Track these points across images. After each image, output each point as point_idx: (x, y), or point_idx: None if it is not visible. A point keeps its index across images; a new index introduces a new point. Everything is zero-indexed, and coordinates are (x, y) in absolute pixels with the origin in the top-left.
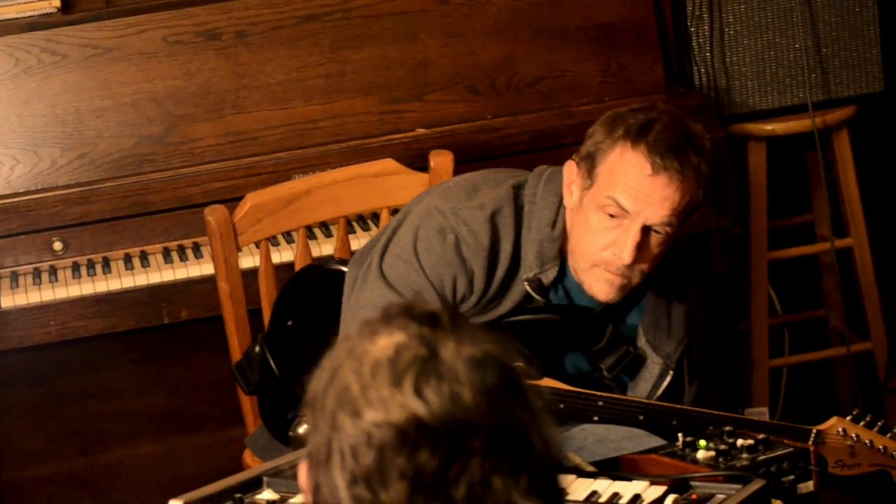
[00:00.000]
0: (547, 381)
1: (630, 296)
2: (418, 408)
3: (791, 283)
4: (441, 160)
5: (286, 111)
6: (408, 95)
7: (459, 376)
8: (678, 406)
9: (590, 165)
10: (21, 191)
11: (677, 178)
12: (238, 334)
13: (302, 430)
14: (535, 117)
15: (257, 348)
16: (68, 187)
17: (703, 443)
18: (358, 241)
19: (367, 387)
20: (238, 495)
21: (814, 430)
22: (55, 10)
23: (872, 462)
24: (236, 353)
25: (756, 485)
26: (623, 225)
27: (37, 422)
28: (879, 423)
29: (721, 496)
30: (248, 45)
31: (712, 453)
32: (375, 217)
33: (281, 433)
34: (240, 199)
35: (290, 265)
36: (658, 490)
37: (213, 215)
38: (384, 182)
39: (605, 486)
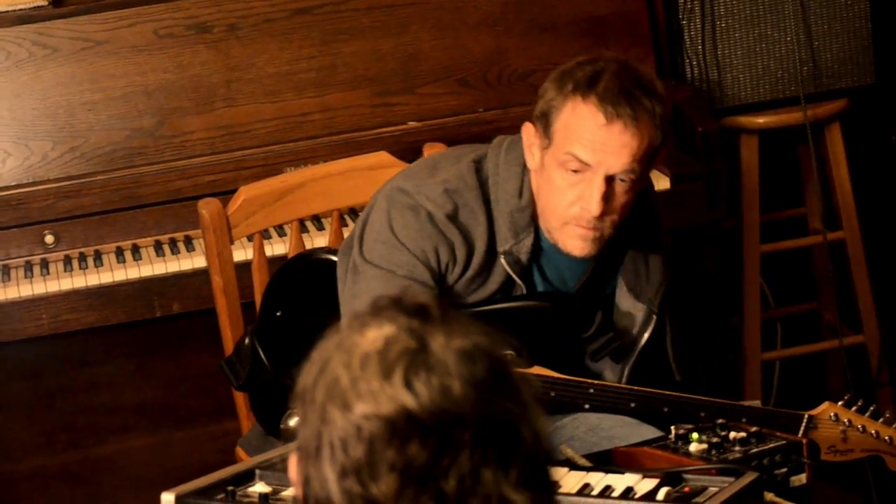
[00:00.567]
0: (537, 370)
1: (608, 266)
2: (408, 400)
3: (783, 277)
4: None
5: (277, 104)
6: (399, 88)
7: (449, 368)
8: (669, 393)
9: (545, 124)
10: (12, 184)
11: (632, 124)
12: (231, 328)
13: (293, 422)
14: (527, 110)
15: (247, 341)
16: (60, 180)
17: (695, 436)
18: None
19: (357, 379)
20: (230, 488)
21: (806, 415)
22: (46, 4)
23: (865, 447)
24: (229, 347)
25: (748, 477)
26: (586, 178)
27: (29, 415)
28: (871, 408)
29: (713, 489)
30: (240, 38)
31: (705, 446)
32: None
33: (273, 427)
34: (232, 192)
35: (284, 258)
36: (650, 483)
37: (207, 208)
38: (378, 175)
39: (597, 479)
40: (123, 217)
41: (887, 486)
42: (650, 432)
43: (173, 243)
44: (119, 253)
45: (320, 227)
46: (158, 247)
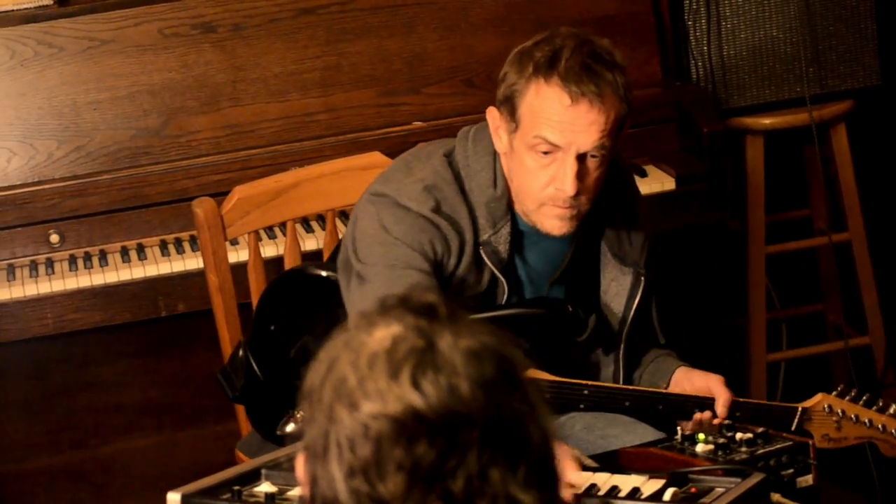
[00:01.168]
0: (532, 373)
1: (589, 241)
2: (416, 400)
3: (789, 278)
4: None
5: (283, 104)
6: (404, 88)
7: (457, 368)
8: (663, 391)
9: (510, 109)
10: (18, 183)
11: (597, 101)
12: (228, 326)
13: (290, 428)
14: None
15: (241, 353)
16: (65, 180)
17: (701, 436)
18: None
19: (365, 378)
20: (236, 488)
21: (800, 408)
22: (51, 3)
23: (858, 435)
24: (227, 346)
25: (755, 478)
26: (558, 159)
27: (34, 414)
28: (865, 397)
29: (720, 490)
30: (245, 37)
31: (711, 447)
32: None
33: (270, 434)
34: None
35: (280, 259)
36: (657, 483)
37: (201, 207)
38: (371, 175)
39: (603, 480)
40: (128, 216)
41: (894, 486)
42: (647, 431)
43: (178, 243)
44: (124, 252)
45: (309, 230)
46: (163, 246)
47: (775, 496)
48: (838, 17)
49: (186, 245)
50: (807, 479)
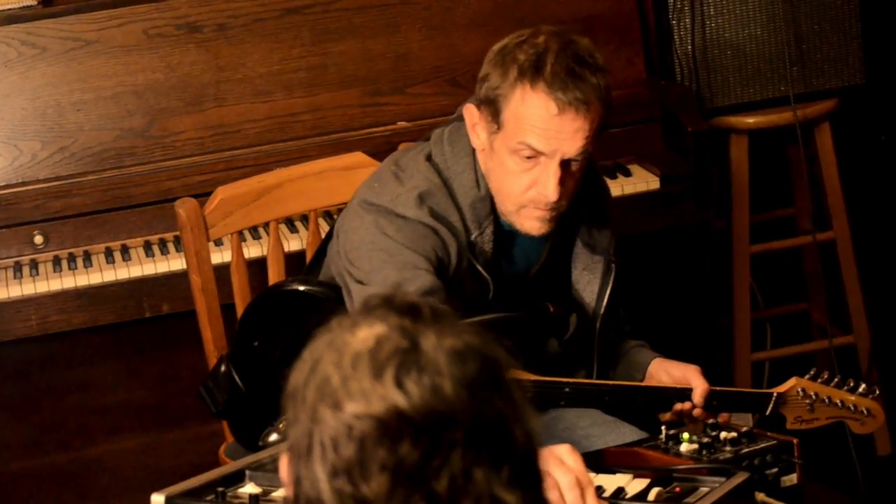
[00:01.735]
0: (514, 373)
1: (566, 234)
2: (399, 400)
3: (773, 277)
4: None
5: (267, 104)
6: (389, 88)
7: (440, 368)
8: (641, 385)
9: (493, 111)
10: (1, 184)
11: (583, 108)
12: (211, 327)
13: (272, 438)
14: None
15: (223, 368)
16: (49, 181)
17: (686, 436)
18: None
19: (348, 378)
20: (220, 489)
21: (774, 393)
22: (35, 3)
23: (829, 415)
24: (210, 347)
25: (739, 477)
26: (541, 163)
27: (18, 416)
28: (836, 379)
29: (704, 489)
30: (229, 38)
31: (695, 446)
32: None
33: (255, 448)
34: None
35: (264, 260)
36: (641, 483)
37: (184, 208)
38: (354, 175)
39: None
40: (113, 217)
41: (878, 485)
42: (629, 430)
43: (163, 244)
44: (108, 253)
45: (293, 230)
46: (148, 247)
47: (760, 495)
48: (822, 17)
49: (171, 246)
50: (791, 478)
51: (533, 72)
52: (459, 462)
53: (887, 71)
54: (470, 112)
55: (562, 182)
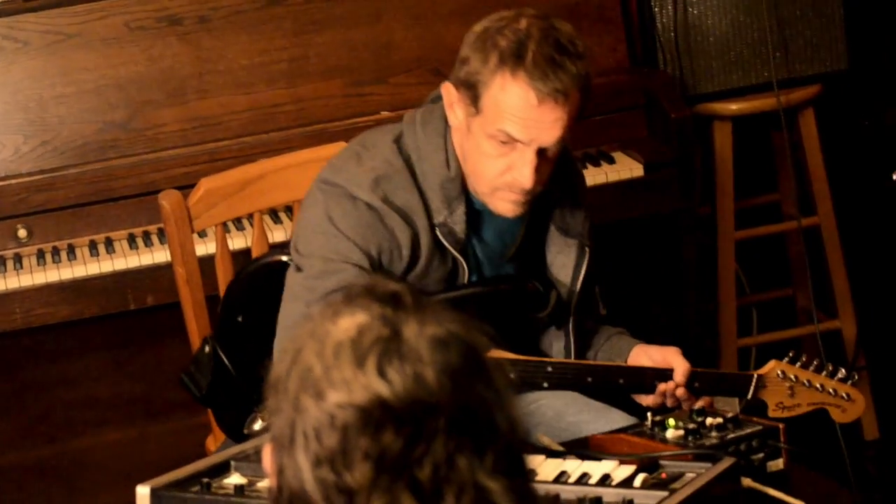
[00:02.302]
0: (494, 353)
1: (541, 215)
2: (381, 389)
3: (759, 263)
4: None
5: (250, 96)
6: (372, 78)
7: (422, 356)
8: (623, 365)
9: (472, 95)
10: None
11: (562, 98)
12: (196, 319)
13: (257, 426)
14: None
15: (207, 349)
16: (32, 174)
17: (671, 422)
18: None
19: (330, 368)
20: (205, 480)
21: (755, 375)
22: None
23: (811, 401)
24: (195, 338)
25: (725, 463)
26: (517, 148)
27: (4, 410)
28: (815, 363)
29: (691, 475)
30: (210, 30)
31: (681, 432)
32: None
33: (240, 437)
34: None
35: (248, 251)
36: (627, 469)
37: (167, 200)
38: None
39: (574, 467)
40: (96, 210)
41: (864, 470)
42: (618, 416)
43: (147, 236)
44: (92, 246)
45: (277, 221)
46: (132, 240)
47: (746, 480)
48: (805, 2)
49: (154, 238)
50: (777, 464)
51: (514, 60)
52: (442, 450)
53: (870, 56)
54: (448, 91)
55: (537, 169)
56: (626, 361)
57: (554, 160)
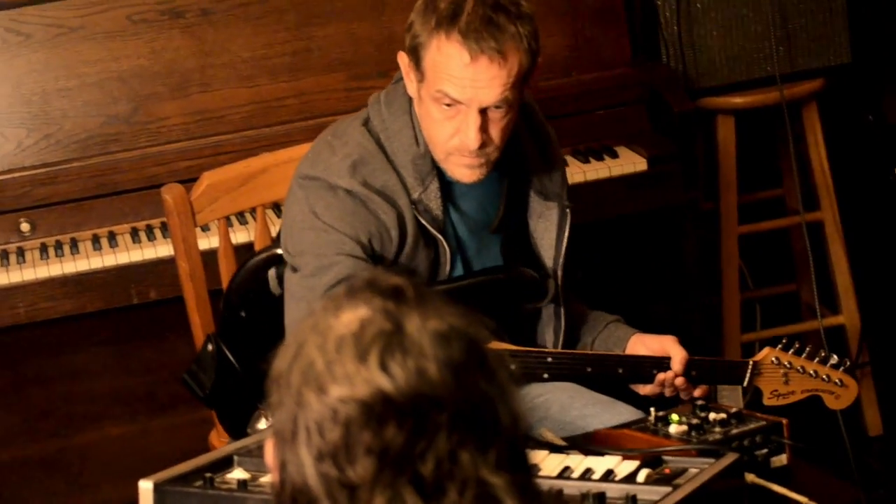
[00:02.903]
0: (494, 344)
1: (519, 185)
2: (384, 383)
3: (762, 257)
4: None
5: (252, 89)
6: (374, 72)
7: (425, 350)
8: (622, 354)
9: (416, 59)
10: None
11: (497, 57)
12: (199, 313)
13: (261, 424)
14: None
15: (210, 347)
16: (35, 168)
17: (675, 417)
18: None
19: (332, 362)
20: (208, 475)
21: (750, 362)
22: None
23: (805, 388)
24: (198, 332)
25: (729, 458)
26: (461, 111)
27: (7, 404)
28: (808, 349)
29: (694, 470)
30: (213, 23)
31: (685, 427)
32: None
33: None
34: None
35: (251, 245)
36: (631, 465)
37: (170, 193)
38: None
39: (577, 462)
40: (99, 204)
41: (868, 465)
42: (625, 409)
43: (149, 230)
44: (95, 240)
45: (280, 215)
46: (135, 234)
47: (749, 476)
48: None
49: (157, 232)
50: (781, 459)
51: (448, 21)
52: (445, 445)
53: (874, 50)
54: (402, 59)
55: (483, 129)
56: (623, 350)
57: (506, 122)
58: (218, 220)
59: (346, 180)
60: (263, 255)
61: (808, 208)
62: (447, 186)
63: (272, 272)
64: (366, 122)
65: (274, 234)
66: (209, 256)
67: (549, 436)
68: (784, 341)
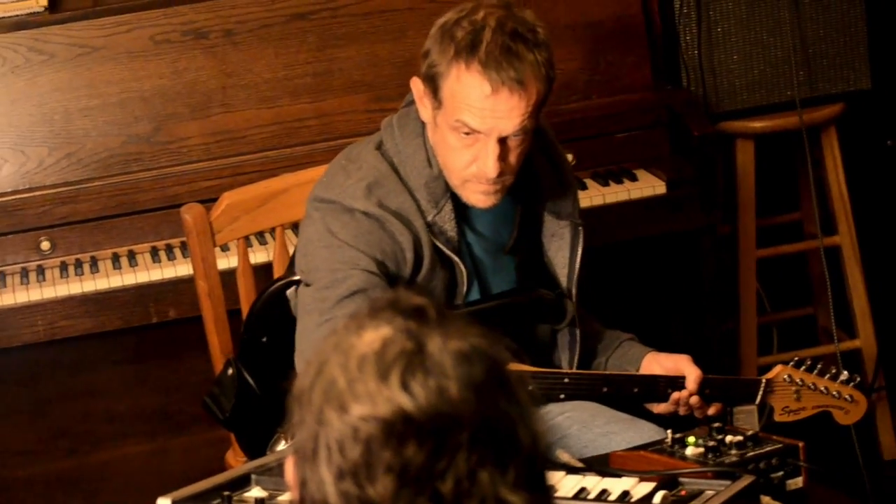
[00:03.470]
0: (513, 365)
1: (533, 204)
2: (405, 402)
3: (780, 281)
4: None
5: (274, 110)
6: (396, 94)
7: (446, 370)
8: (637, 374)
9: (433, 88)
10: (9, 190)
11: (518, 87)
12: (217, 332)
13: (280, 447)
14: None
15: (230, 371)
16: (56, 186)
17: (691, 439)
18: None
19: (354, 381)
20: (226, 493)
21: (763, 380)
22: (42, 9)
23: (815, 404)
24: (216, 352)
25: (745, 481)
26: (480, 139)
27: (25, 422)
28: (819, 366)
29: (710, 492)
30: (236, 43)
31: (701, 450)
32: None
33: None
34: None
35: (270, 265)
36: (647, 486)
37: (190, 213)
38: None
39: (593, 483)
40: (120, 223)
41: (883, 489)
42: (648, 427)
43: (169, 249)
44: (115, 259)
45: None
46: (155, 253)
47: (765, 499)
48: (828, 21)
49: (177, 251)
50: (797, 482)
51: (468, 51)
52: (465, 464)
53: (893, 75)
54: (416, 85)
55: (501, 158)
56: (637, 369)
57: (522, 148)
58: (237, 239)
59: (361, 202)
60: (284, 281)
61: (826, 233)
62: (461, 208)
63: (291, 291)
64: (379, 146)
65: (292, 251)
66: (229, 276)
67: (566, 457)
68: (796, 358)
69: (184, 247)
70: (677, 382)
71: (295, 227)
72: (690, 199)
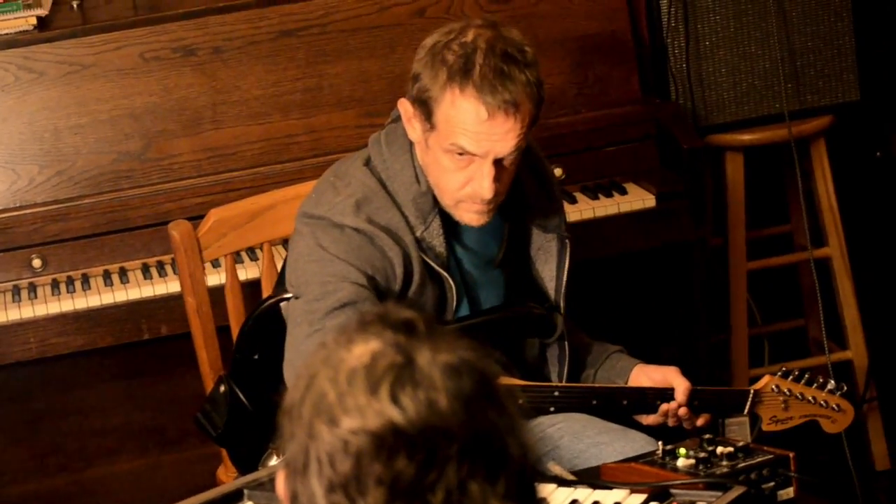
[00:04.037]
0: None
1: (520, 218)
2: (395, 415)
3: (770, 293)
4: None
5: (264, 126)
6: (385, 109)
7: (435, 383)
8: (625, 386)
9: (425, 112)
10: None
11: (513, 109)
12: (207, 349)
13: (272, 462)
14: None
15: (222, 388)
16: (47, 204)
17: (682, 451)
18: None
19: (344, 394)
20: None
21: (752, 390)
22: (32, 28)
23: (803, 413)
24: (206, 368)
25: (736, 492)
26: (475, 161)
27: (17, 439)
28: (806, 376)
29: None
30: (225, 60)
31: (692, 461)
32: None
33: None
34: None
35: (258, 282)
36: (638, 498)
37: (177, 230)
38: None
39: (585, 495)
40: (111, 240)
41: (875, 500)
42: (639, 437)
43: (161, 266)
44: (106, 276)
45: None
46: (146, 270)
47: None
48: (816, 33)
49: (168, 268)
50: (788, 493)
51: (461, 75)
52: (455, 476)
53: (882, 87)
54: (405, 106)
55: (496, 178)
56: (626, 382)
57: (514, 166)
58: (225, 256)
59: (350, 218)
60: (274, 299)
61: (816, 244)
62: (450, 224)
63: (285, 305)
64: (367, 162)
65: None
66: (219, 293)
67: (558, 469)
68: (783, 369)
69: (175, 263)
70: (666, 394)
71: (283, 243)
72: (680, 212)
